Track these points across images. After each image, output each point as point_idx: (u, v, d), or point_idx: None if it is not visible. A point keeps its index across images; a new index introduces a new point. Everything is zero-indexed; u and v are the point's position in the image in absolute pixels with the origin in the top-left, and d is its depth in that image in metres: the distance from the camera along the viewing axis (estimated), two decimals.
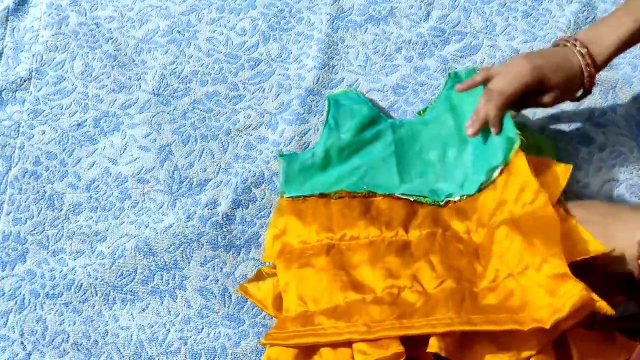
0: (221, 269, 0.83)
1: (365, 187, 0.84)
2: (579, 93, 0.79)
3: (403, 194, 0.83)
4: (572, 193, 0.84)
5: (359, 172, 0.85)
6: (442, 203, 0.82)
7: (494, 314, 0.66)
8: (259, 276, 0.80)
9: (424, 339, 0.66)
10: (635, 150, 0.86)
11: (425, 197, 0.82)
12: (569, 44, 0.78)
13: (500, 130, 0.78)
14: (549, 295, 0.66)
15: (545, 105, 0.79)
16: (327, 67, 0.97)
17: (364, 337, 0.67)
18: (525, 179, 0.75)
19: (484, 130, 0.80)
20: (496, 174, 0.79)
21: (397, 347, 0.65)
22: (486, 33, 0.99)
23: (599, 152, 0.87)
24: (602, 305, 0.64)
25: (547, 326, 0.63)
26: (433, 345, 0.65)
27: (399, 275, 0.73)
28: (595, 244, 0.69)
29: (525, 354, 0.65)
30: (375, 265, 0.75)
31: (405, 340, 0.67)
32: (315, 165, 0.87)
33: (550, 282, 0.67)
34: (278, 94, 0.96)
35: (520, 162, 0.76)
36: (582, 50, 0.76)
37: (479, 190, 0.81)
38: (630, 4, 0.76)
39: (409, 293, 0.71)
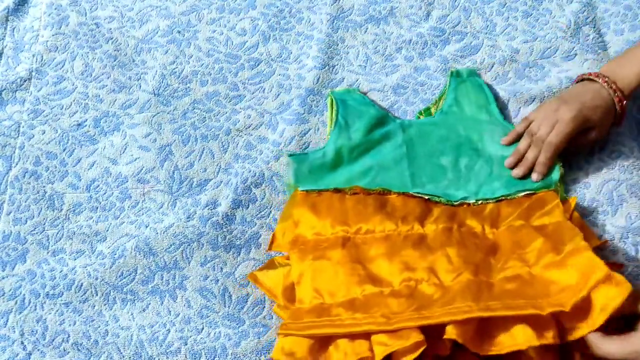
0: (221, 269, 0.83)
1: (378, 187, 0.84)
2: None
3: (417, 193, 0.83)
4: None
5: (371, 173, 0.85)
6: (456, 203, 0.82)
7: (512, 300, 0.66)
8: (270, 265, 0.79)
9: (441, 332, 0.66)
10: (635, 150, 0.86)
11: (439, 196, 0.83)
12: (598, 80, 0.82)
13: (543, 178, 0.82)
14: (569, 279, 0.67)
15: (591, 142, 0.84)
16: (327, 67, 0.97)
17: (383, 329, 0.67)
18: (557, 218, 0.77)
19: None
20: (521, 194, 0.82)
21: (417, 337, 0.65)
22: (486, 33, 0.99)
23: (599, 152, 0.87)
24: (621, 282, 0.65)
25: (567, 309, 0.63)
26: (451, 333, 0.64)
27: (416, 268, 0.73)
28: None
29: (544, 340, 0.64)
30: (392, 258, 0.74)
31: (423, 333, 0.66)
32: (325, 165, 0.86)
33: (570, 266, 0.68)
34: (278, 94, 0.96)
35: (552, 198, 0.79)
36: (612, 86, 0.81)
37: (498, 200, 0.82)
38: None
39: (426, 286, 0.71)
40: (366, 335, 0.68)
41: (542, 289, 0.67)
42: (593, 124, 0.81)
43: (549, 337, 0.64)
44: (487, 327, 0.66)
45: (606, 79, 0.81)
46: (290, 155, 0.88)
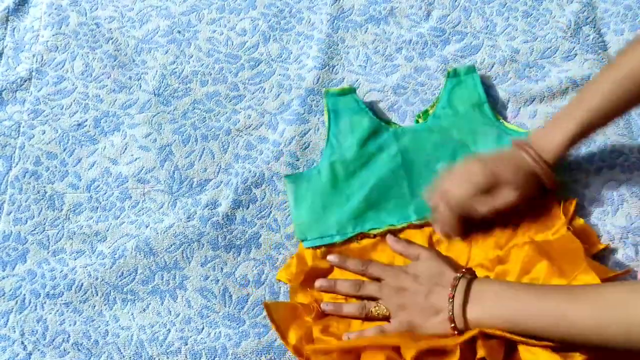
0: (222, 269, 0.83)
1: (377, 209, 0.83)
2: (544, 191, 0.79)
3: (419, 220, 0.83)
4: (572, 193, 0.84)
5: (369, 186, 0.84)
6: None
7: None
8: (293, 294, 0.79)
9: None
10: (635, 150, 0.86)
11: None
12: (522, 151, 0.77)
13: (458, 235, 0.79)
14: None
15: (511, 205, 0.76)
16: (327, 67, 0.97)
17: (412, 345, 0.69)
18: (552, 215, 0.79)
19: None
20: None
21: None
22: (486, 33, 0.99)
23: (600, 152, 0.87)
24: None
25: None
26: (481, 352, 0.66)
27: None
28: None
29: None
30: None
31: None
32: (322, 183, 0.86)
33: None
34: (278, 94, 0.96)
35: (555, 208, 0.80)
36: (529, 151, 0.76)
37: None
38: (573, 104, 0.76)
39: None
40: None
41: None
42: (506, 180, 0.75)
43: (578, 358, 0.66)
44: (511, 347, 0.69)
45: (531, 152, 0.76)
46: (286, 177, 0.87)
